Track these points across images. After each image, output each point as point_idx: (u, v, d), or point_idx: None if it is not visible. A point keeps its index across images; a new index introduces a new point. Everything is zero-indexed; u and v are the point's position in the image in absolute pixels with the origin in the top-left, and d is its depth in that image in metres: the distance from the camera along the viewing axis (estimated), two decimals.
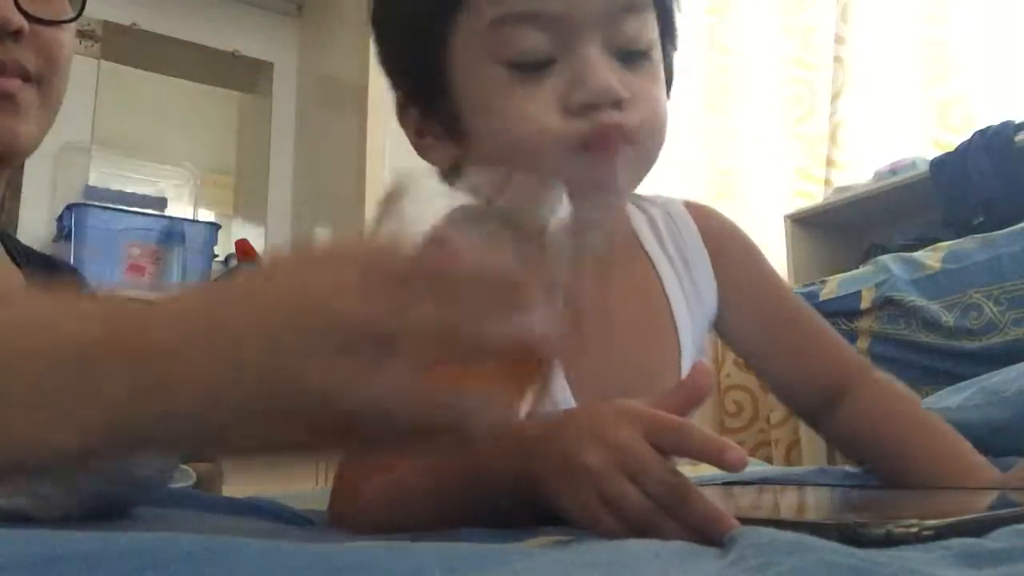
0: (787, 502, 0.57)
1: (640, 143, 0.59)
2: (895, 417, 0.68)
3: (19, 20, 0.53)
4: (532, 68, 0.56)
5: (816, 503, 0.57)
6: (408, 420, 0.28)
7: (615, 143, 0.57)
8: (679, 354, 0.69)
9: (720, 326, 0.75)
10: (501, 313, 0.31)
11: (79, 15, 0.60)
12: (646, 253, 0.71)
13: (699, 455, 0.40)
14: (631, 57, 0.58)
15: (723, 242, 0.73)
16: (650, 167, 0.63)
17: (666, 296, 0.70)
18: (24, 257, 0.71)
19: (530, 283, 0.32)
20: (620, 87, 0.56)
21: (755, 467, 1.20)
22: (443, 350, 0.30)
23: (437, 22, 0.58)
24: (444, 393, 0.29)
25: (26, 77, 0.56)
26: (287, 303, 0.29)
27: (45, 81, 0.58)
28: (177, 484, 0.76)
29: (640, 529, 0.38)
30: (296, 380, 0.28)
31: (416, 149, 0.65)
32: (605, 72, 0.56)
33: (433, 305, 0.29)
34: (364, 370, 0.28)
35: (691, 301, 0.71)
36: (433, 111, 0.63)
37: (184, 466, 0.81)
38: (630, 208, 0.73)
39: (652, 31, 0.60)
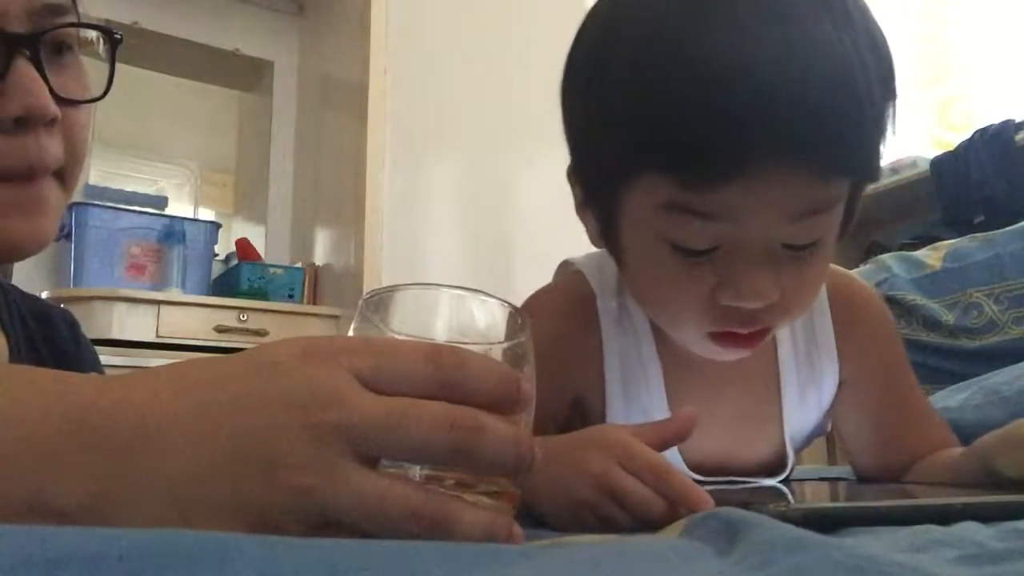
0: (747, 491, 0.61)
1: (777, 326, 0.61)
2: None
3: (55, 109, 0.51)
4: (693, 253, 0.55)
5: (772, 493, 0.62)
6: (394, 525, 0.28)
7: (744, 343, 0.59)
8: (781, 438, 0.72)
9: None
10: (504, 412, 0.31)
11: (106, 92, 0.57)
12: (775, 351, 0.71)
13: (675, 497, 0.43)
14: (798, 248, 0.55)
15: (853, 328, 0.72)
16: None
17: (779, 394, 0.72)
18: (18, 313, 0.67)
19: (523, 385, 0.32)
20: (771, 292, 0.55)
21: None
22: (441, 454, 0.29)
23: (619, 175, 0.57)
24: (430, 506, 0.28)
25: (53, 172, 0.54)
26: (292, 398, 0.28)
27: (68, 174, 0.56)
28: None
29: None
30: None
31: (576, 209, 0.66)
32: (760, 282, 0.54)
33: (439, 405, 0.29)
34: (347, 469, 0.28)
35: (807, 392, 0.73)
36: (595, 210, 0.63)
37: None
38: None
39: (829, 228, 0.56)
